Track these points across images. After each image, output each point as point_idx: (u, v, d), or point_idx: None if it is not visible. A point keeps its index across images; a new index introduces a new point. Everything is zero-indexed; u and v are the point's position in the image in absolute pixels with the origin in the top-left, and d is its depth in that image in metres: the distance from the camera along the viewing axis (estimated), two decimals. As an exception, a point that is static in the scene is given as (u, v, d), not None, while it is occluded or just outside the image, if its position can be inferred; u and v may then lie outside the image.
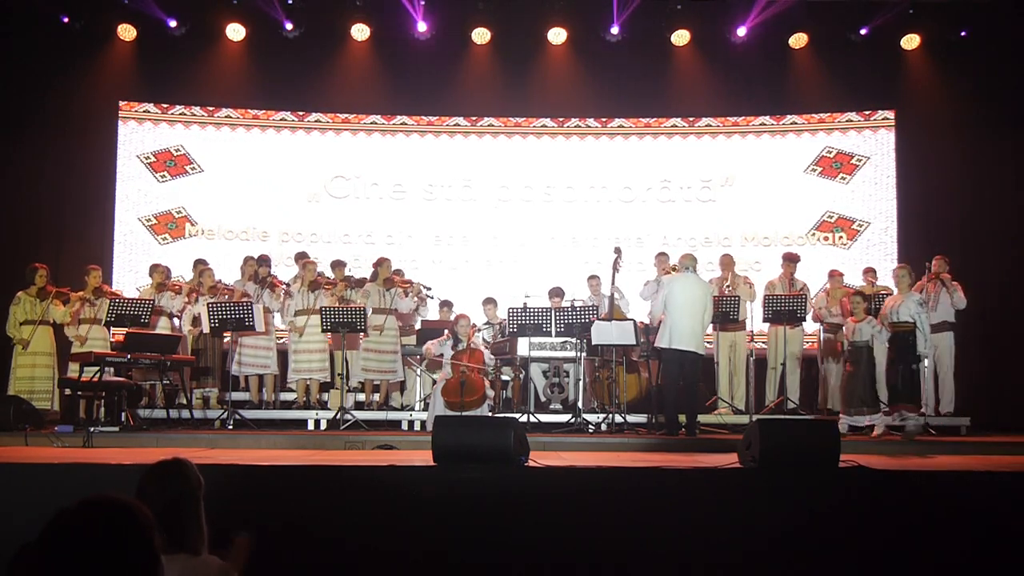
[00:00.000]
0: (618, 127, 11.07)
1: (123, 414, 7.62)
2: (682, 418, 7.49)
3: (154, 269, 9.11)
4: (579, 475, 4.64)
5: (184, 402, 8.40)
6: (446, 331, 8.53)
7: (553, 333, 8.38)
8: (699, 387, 8.00)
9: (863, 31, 10.55)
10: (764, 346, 9.24)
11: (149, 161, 10.65)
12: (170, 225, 10.60)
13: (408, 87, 11.00)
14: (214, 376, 8.71)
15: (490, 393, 8.26)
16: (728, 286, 9.16)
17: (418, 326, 9.30)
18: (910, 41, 10.67)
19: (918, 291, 8.65)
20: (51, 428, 7.29)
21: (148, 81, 10.75)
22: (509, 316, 8.40)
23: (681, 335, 7.46)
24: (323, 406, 8.84)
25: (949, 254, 8.97)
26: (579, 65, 11.00)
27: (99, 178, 10.48)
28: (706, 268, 9.09)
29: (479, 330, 8.94)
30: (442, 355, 8.30)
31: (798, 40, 10.75)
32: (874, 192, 10.73)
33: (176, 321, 8.94)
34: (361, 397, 9.06)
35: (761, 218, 10.80)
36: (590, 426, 8.00)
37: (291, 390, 9.00)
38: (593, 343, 7.99)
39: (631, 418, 8.20)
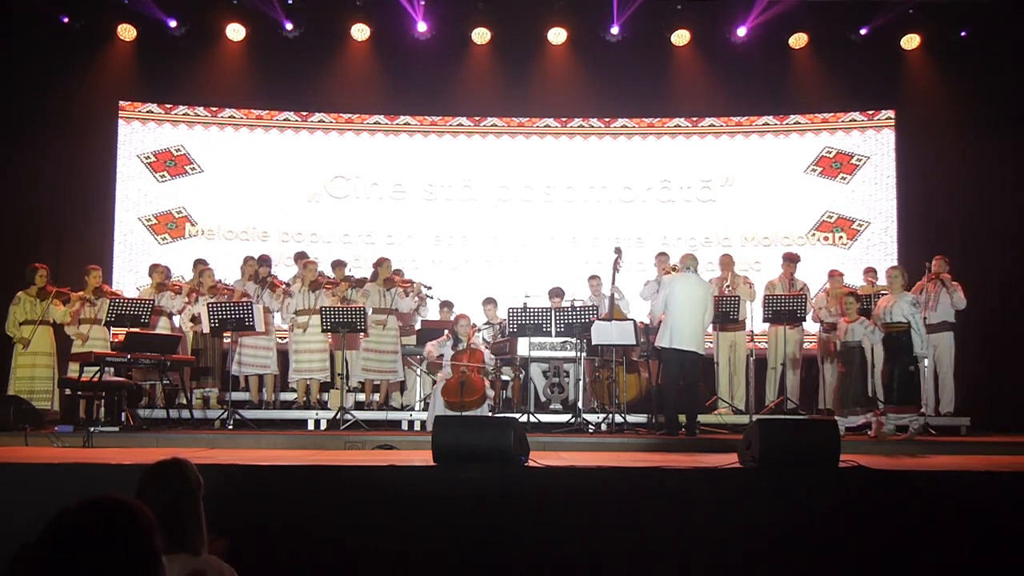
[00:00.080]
0: (619, 127, 11.06)
1: (123, 414, 7.62)
2: (682, 418, 7.49)
3: (154, 269, 9.11)
4: (579, 475, 4.64)
5: (184, 402, 8.40)
6: (446, 331, 8.53)
7: (553, 333, 8.38)
8: (699, 387, 8.00)
9: (863, 31, 10.54)
10: (764, 346, 9.24)
11: (149, 161, 10.65)
12: (170, 225, 10.60)
13: (408, 87, 11.00)
14: (214, 376, 8.71)
15: (490, 393, 8.26)
16: (728, 286, 9.16)
17: (418, 326, 9.30)
18: (910, 41, 10.67)
19: (918, 291, 8.67)
20: (51, 428, 7.29)
21: (148, 81, 10.75)
22: (509, 316, 8.40)
23: (682, 335, 7.46)
24: (323, 406, 8.84)
25: (949, 254, 8.96)
26: (579, 65, 11.00)
27: (99, 178, 10.48)
28: (706, 268, 9.08)
29: (479, 330, 8.94)
30: (442, 356, 8.30)
31: (798, 40, 10.75)
32: (874, 192, 10.73)
33: (176, 319, 8.94)
34: (361, 397, 9.06)
35: (761, 218, 10.79)
36: (590, 426, 8.00)
37: (292, 390, 9.00)
38: (593, 343, 7.99)
39: (631, 418, 8.20)
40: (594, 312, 8.39)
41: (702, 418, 8.05)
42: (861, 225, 10.69)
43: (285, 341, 9.19)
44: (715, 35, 10.80)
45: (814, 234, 10.72)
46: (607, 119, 11.04)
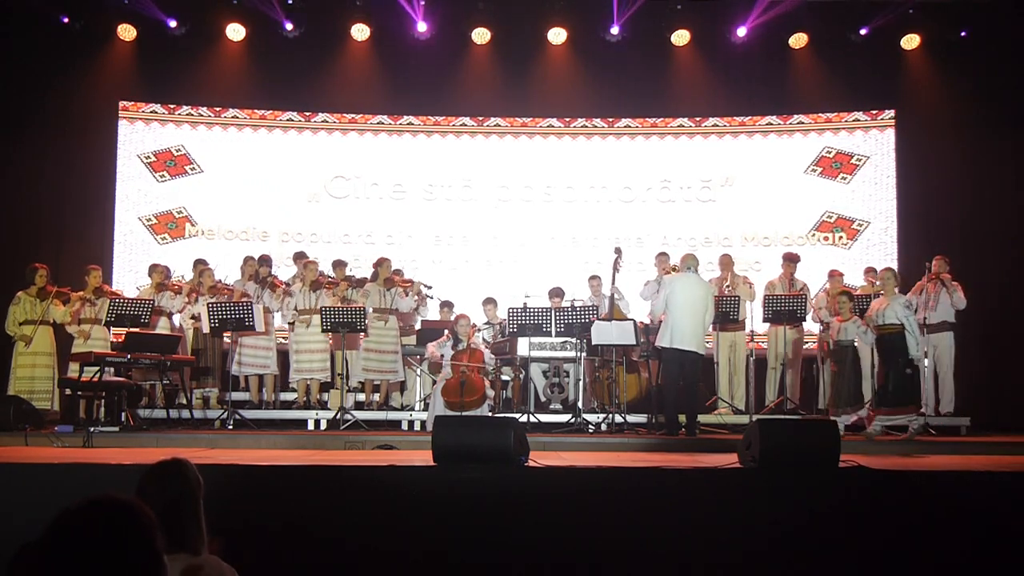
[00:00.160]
0: (619, 127, 11.06)
1: (123, 414, 7.62)
2: (682, 418, 7.49)
3: (153, 269, 9.11)
4: (579, 475, 4.64)
5: (184, 402, 8.40)
6: (446, 331, 8.53)
7: (553, 333, 8.38)
8: (699, 387, 8.00)
9: (863, 31, 10.54)
10: (764, 346, 9.24)
11: (149, 161, 10.65)
12: (170, 225, 10.60)
13: (408, 87, 11.00)
14: (214, 376, 8.71)
15: (490, 393, 8.27)
16: (728, 286, 9.16)
17: (418, 326, 9.30)
18: (910, 41, 10.67)
19: (918, 291, 8.67)
20: (51, 428, 7.29)
21: (148, 81, 10.75)
22: (509, 316, 8.40)
23: (682, 335, 7.46)
24: (323, 406, 8.84)
25: (949, 254, 8.96)
26: (579, 65, 11.00)
27: (99, 178, 10.48)
28: (706, 268, 9.08)
29: (479, 330, 8.94)
30: (443, 356, 8.30)
31: (798, 40, 10.75)
32: (874, 192, 10.73)
33: (176, 319, 8.94)
34: (361, 397, 9.06)
35: (761, 218, 10.79)
36: (590, 426, 8.00)
37: (292, 390, 9.01)
38: (593, 343, 7.99)
39: (631, 418, 8.20)
40: (594, 312, 8.39)
41: (702, 418, 8.05)
42: (861, 225, 10.69)
43: (285, 341, 9.19)
44: (715, 35, 10.80)
45: (814, 234, 10.72)
46: (609, 119, 11.04)
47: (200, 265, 9.00)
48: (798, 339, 9.23)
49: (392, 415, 8.67)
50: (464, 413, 7.64)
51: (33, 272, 8.46)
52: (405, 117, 11.01)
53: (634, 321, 8.16)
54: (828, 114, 10.92)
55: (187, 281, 9.01)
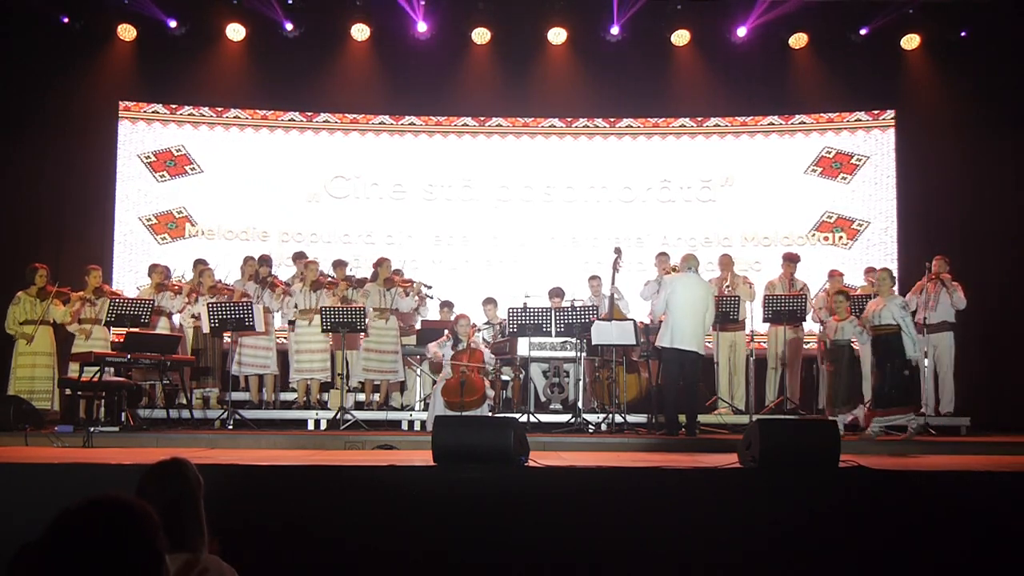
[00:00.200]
0: (618, 128, 11.06)
1: (123, 414, 7.62)
2: (682, 418, 7.49)
3: (153, 269, 9.11)
4: (579, 475, 4.64)
5: (184, 402, 8.40)
6: (446, 331, 8.53)
7: (553, 333, 8.38)
8: (699, 387, 8.00)
9: (863, 31, 10.54)
10: (764, 346, 9.24)
11: (149, 161, 10.65)
12: (170, 225, 10.60)
13: (408, 87, 11.00)
14: (214, 376, 8.71)
15: (490, 393, 8.27)
16: (728, 286, 9.17)
17: (418, 326, 9.30)
18: (910, 41, 10.67)
19: (918, 291, 8.67)
20: (51, 428, 7.28)
21: (148, 81, 10.76)
22: (509, 316, 8.41)
23: (683, 335, 7.46)
24: (323, 406, 8.84)
25: (949, 254, 8.96)
26: (579, 65, 11.00)
27: (99, 178, 10.48)
28: (706, 268, 9.08)
29: (479, 330, 8.95)
30: (443, 355, 8.30)
31: (798, 40, 10.75)
32: (874, 192, 10.73)
33: (176, 319, 8.94)
34: (361, 397, 9.06)
35: (761, 218, 10.79)
36: (590, 426, 8.00)
37: (292, 390, 9.01)
38: (593, 343, 7.99)
39: (631, 418, 8.21)
40: (594, 312, 8.39)
41: (702, 418, 8.05)
42: (861, 225, 10.69)
43: (285, 341, 9.20)
44: (715, 35, 10.81)
45: (814, 234, 10.72)
46: (609, 119, 11.04)
47: (200, 265, 9.00)
48: (797, 339, 9.23)
49: (392, 415, 8.67)
50: (464, 413, 7.64)
51: (33, 272, 8.46)
52: (407, 117, 11.01)
53: (634, 321, 8.16)
54: (828, 114, 10.92)
55: (187, 281, 9.02)
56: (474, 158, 11.02)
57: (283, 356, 9.08)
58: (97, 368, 7.46)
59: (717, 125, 11.00)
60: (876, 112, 10.85)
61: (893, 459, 5.79)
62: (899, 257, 10.38)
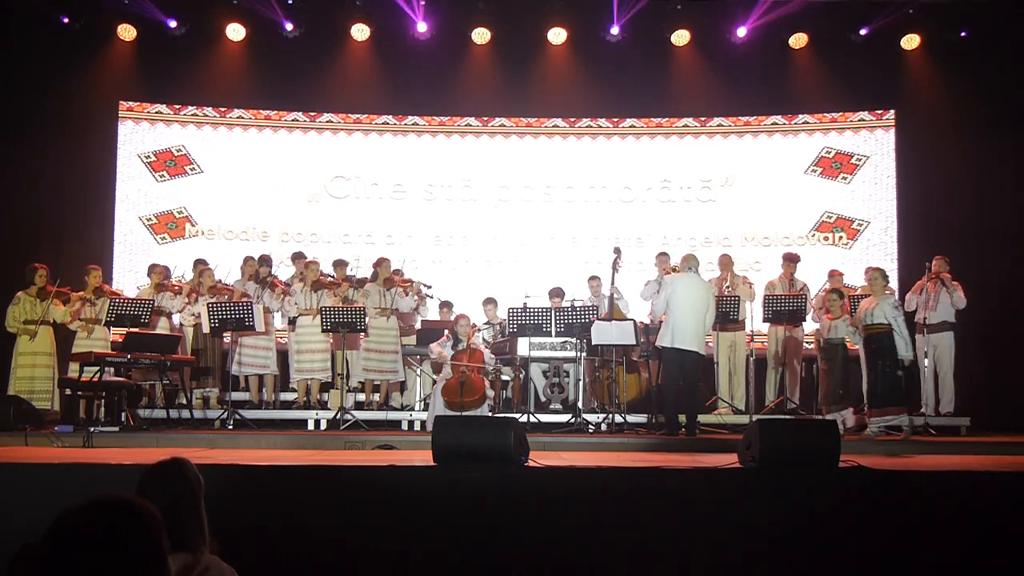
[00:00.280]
0: (618, 128, 11.06)
1: (123, 414, 7.62)
2: (682, 418, 7.49)
3: (152, 269, 9.11)
4: (579, 475, 4.64)
5: (184, 402, 8.40)
6: (446, 331, 8.53)
7: (553, 333, 8.38)
8: (699, 387, 8.00)
9: (863, 31, 10.54)
10: (765, 346, 9.24)
11: (149, 161, 10.65)
12: (170, 225, 10.60)
13: (408, 87, 11.00)
14: (214, 376, 8.71)
15: (490, 393, 8.27)
16: (728, 286, 9.17)
17: (418, 326, 9.30)
18: (910, 41, 10.67)
19: (918, 291, 8.67)
20: (51, 428, 7.28)
21: (148, 81, 10.75)
22: (509, 316, 8.41)
23: (684, 335, 7.46)
24: (323, 406, 8.84)
25: (949, 254, 8.96)
26: (579, 65, 11.00)
27: (99, 178, 10.48)
28: (706, 268, 9.08)
29: (479, 330, 8.95)
30: (447, 355, 8.31)
31: (798, 40, 10.75)
32: (874, 192, 10.73)
33: (176, 319, 8.94)
34: (361, 397, 9.06)
35: (761, 218, 10.79)
36: (590, 426, 8.00)
37: (292, 390, 9.01)
38: (593, 343, 7.99)
39: (631, 418, 8.21)
40: (594, 312, 8.39)
41: (702, 418, 8.05)
42: (861, 225, 10.69)
43: (285, 341, 9.20)
44: (715, 35, 10.80)
45: (814, 234, 10.71)
46: (608, 119, 11.04)
47: (200, 265, 9.00)
48: (797, 339, 9.22)
49: (392, 415, 8.68)
50: (464, 413, 7.65)
51: (33, 272, 8.45)
52: (409, 118, 11.00)
53: (634, 321, 8.16)
54: (828, 114, 10.92)
55: (187, 281, 9.02)
56: (474, 158, 11.01)
57: (283, 356, 9.08)
58: (97, 368, 7.46)
59: (717, 125, 10.99)
60: (876, 112, 10.85)
61: (893, 459, 5.80)
62: (899, 257, 10.37)
